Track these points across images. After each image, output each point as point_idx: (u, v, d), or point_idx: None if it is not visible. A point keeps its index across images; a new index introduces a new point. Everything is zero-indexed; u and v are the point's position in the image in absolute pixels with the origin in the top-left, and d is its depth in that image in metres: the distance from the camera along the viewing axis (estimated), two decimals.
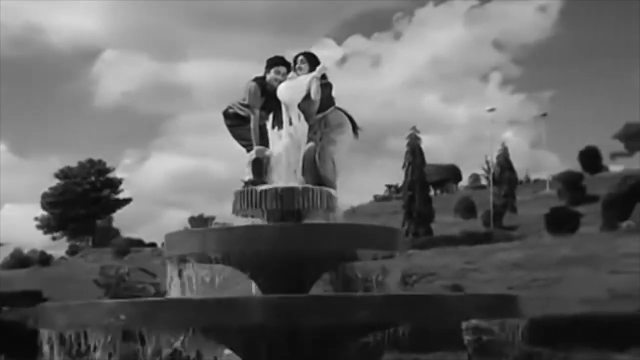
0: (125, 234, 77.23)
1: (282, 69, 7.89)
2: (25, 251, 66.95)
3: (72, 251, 75.45)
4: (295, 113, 7.72)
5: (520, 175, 70.95)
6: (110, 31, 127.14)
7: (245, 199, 7.52)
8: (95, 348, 6.46)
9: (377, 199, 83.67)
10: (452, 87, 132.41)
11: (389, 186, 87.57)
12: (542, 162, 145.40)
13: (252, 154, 7.74)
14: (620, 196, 42.47)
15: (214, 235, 7.49)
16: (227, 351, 19.11)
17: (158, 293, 30.22)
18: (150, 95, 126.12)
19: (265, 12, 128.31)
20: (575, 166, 68.03)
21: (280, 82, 7.83)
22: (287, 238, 7.22)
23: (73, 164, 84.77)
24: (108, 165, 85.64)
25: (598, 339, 19.83)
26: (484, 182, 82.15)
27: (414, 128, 55.60)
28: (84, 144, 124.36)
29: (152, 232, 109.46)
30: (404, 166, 55.69)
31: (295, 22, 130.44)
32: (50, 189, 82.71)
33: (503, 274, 36.44)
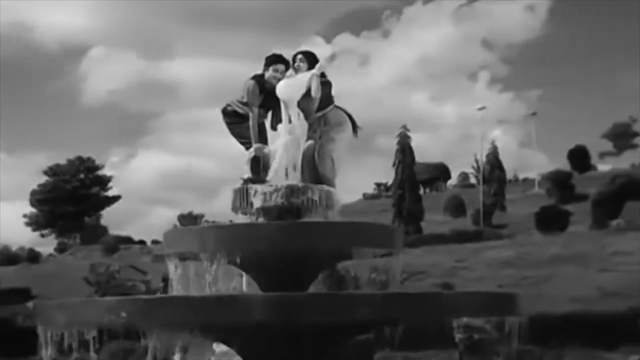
0: (113, 231, 77.09)
1: (281, 67, 7.90)
2: (14, 248, 66.69)
3: (60, 249, 75.10)
4: (295, 111, 7.72)
5: (509, 174, 71.12)
6: (98, 29, 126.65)
7: (245, 197, 7.52)
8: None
9: (366, 197, 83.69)
10: (440, 85, 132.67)
11: (379, 185, 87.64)
12: (530, 161, 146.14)
13: (251, 152, 7.74)
14: (609, 195, 42.66)
15: (213, 233, 7.48)
16: (219, 349, 19.05)
17: (148, 291, 30.24)
18: (138, 93, 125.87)
19: (254, 10, 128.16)
20: (564, 165, 68.33)
21: (279, 80, 7.84)
22: (286, 236, 7.22)
23: (61, 161, 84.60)
24: (97, 162, 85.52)
25: (589, 337, 19.94)
26: (473, 180, 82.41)
27: (404, 127, 55.70)
28: (72, 141, 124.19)
29: (140, 229, 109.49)
30: (394, 165, 55.73)
31: (284, 20, 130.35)
32: (39, 186, 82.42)
33: (493, 272, 36.54)
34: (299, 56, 7.91)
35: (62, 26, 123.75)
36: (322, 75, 7.83)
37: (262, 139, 7.87)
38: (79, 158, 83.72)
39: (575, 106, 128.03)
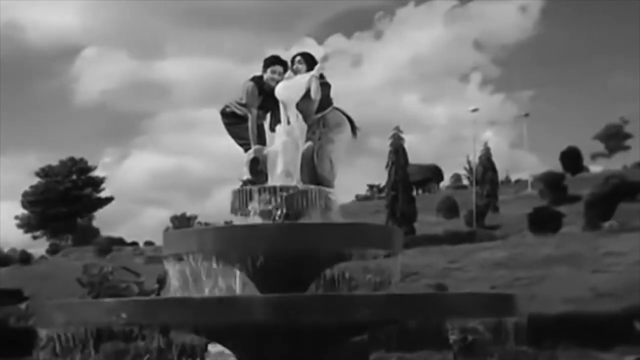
0: (104, 232, 76.99)
1: (279, 69, 7.91)
2: (5, 250, 66.52)
3: (52, 250, 74.89)
4: (293, 112, 7.73)
5: (501, 176, 71.27)
6: (91, 29, 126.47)
7: (244, 198, 7.53)
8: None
9: (359, 198, 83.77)
10: (432, 87, 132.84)
11: (371, 186, 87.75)
12: (522, 162, 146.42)
13: (250, 154, 7.76)
14: (602, 196, 42.80)
15: (212, 234, 7.49)
16: (214, 349, 18.98)
17: (142, 292, 30.11)
18: (131, 93, 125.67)
19: (246, 10, 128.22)
20: (555, 166, 68.54)
21: (278, 81, 7.85)
22: (285, 237, 7.23)
23: (53, 162, 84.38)
24: (90, 163, 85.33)
25: (583, 337, 19.98)
26: (465, 182, 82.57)
27: (397, 128, 55.77)
28: (64, 142, 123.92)
29: (131, 230, 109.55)
30: (387, 166, 55.81)
31: (276, 20, 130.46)
32: (31, 187, 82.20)
33: (486, 273, 36.60)
34: (298, 58, 7.93)
35: (54, 26, 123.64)
36: (321, 76, 7.85)
37: (261, 140, 7.88)
38: (72, 159, 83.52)
39: (566, 107, 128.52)
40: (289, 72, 7.90)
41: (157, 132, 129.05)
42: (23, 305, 31.42)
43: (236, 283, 8.31)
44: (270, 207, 7.47)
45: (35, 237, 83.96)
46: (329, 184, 7.77)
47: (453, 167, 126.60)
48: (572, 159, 69.28)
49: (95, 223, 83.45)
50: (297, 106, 7.73)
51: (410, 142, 57.17)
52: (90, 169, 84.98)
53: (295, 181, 7.64)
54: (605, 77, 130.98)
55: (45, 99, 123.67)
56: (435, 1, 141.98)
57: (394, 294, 6.62)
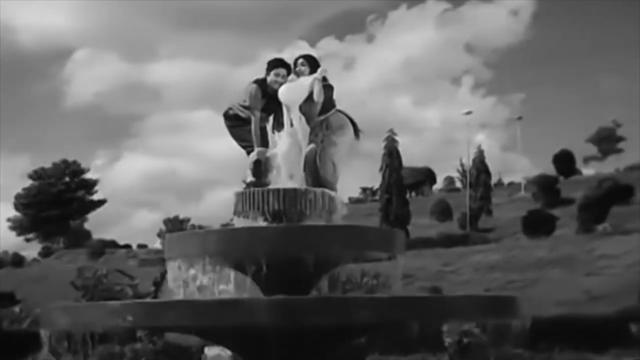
0: (96, 235, 76.87)
1: (282, 71, 7.93)
2: None
3: (45, 253, 74.69)
4: (296, 115, 7.74)
5: (493, 179, 71.38)
6: (82, 31, 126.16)
7: (247, 201, 7.54)
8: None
9: (352, 201, 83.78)
10: (424, 89, 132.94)
11: (364, 189, 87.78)
12: (513, 165, 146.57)
13: (253, 156, 7.77)
14: (596, 199, 42.93)
15: (215, 236, 7.49)
16: (210, 352, 18.98)
17: (136, 295, 30.06)
18: (122, 95, 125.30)
19: (238, 12, 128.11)
20: (546, 169, 68.72)
21: (281, 84, 7.87)
22: (288, 239, 7.25)
23: (44, 164, 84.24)
24: (82, 166, 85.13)
25: (578, 340, 20.02)
26: (458, 184, 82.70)
27: (391, 130, 55.85)
28: (56, 144, 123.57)
29: (122, 233, 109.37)
30: (381, 168, 55.84)
31: (268, 23, 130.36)
32: (24, 189, 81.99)
33: (480, 276, 36.71)
34: (300, 60, 7.95)
35: (46, 29, 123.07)
36: (324, 79, 7.87)
37: (264, 142, 7.89)
38: (64, 161, 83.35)
39: (558, 110, 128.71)
40: (292, 75, 7.92)
41: (148, 134, 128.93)
42: (17, 308, 31.35)
43: (231, 285, 8.31)
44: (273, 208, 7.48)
45: (27, 240, 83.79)
46: (332, 187, 7.79)
47: (445, 169, 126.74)
48: (565, 161, 69.47)
49: (86, 225, 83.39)
50: (300, 108, 7.75)
51: (402, 145, 57.22)
52: (83, 171, 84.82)
53: (298, 183, 7.66)
54: (597, 80, 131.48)
55: (37, 101, 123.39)
56: (427, 4, 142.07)
57: (397, 296, 6.65)
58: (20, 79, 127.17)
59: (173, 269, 7.53)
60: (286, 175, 7.72)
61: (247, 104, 7.90)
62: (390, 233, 7.91)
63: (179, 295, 7.51)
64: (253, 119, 7.82)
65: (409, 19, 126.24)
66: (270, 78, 7.93)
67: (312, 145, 7.72)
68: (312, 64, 7.92)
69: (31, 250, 77.90)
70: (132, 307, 6.26)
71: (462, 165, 76.95)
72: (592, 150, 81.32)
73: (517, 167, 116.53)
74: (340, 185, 7.99)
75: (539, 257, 37.42)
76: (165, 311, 6.16)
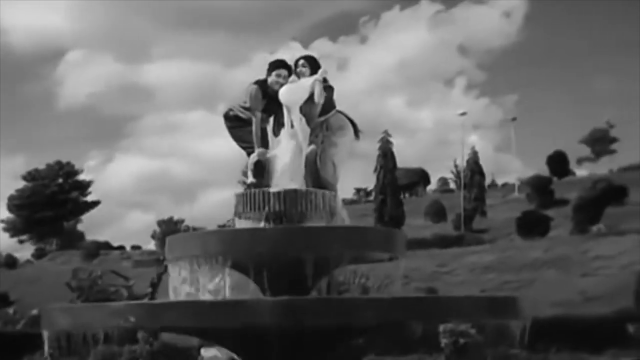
0: (89, 236, 76.73)
1: (283, 72, 7.92)
2: None
3: (38, 254, 74.53)
4: (297, 116, 7.74)
5: (486, 180, 71.44)
6: (75, 31, 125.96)
7: (248, 202, 7.53)
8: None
9: (346, 202, 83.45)
10: (417, 91, 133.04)
11: (358, 190, 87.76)
12: (506, 166, 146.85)
13: (254, 157, 7.76)
14: (590, 200, 43.02)
15: (217, 237, 7.49)
16: (207, 354, 18.96)
17: (131, 296, 30.09)
18: (116, 96, 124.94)
19: (232, 13, 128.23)
20: (539, 170, 68.80)
21: (282, 85, 7.86)
22: (289, 240, 7.25)
23: (37, 165, 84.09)
24: (76, 167, 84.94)
25: (575, 340, 20.07)
26: (452, 185, 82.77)
27: (385, 132, 55.97)
28: (48, 145, 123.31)
29: (115, 234, 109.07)
30: (375, 169, 55.92)
31: (261, 24, 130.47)
32: (17, 191, 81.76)
33: (475, 276, 36.77)
34: (301, 61, 7.95)
35: (38, 29, 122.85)
36: (324, 80, 7.87)
37: (264, 144, 7.89)
38: (58, 162, 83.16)
39: (551, 111, 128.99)
40: (292, 76, 7.91)
41: (142, 135, 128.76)
42: (11, 310, 31.32)
43: (225, 285, 8.29)
44: (274, 209, 7.48)
45: (21, 241, 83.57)
46: (332, 188, 7.79)
47: (439, 170, 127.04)
48: (558, 162, 69.58)
49: (79, 227, 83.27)
50: (301, 109, 7.74)
51: (395, 146, 57.27)
52: (77, 172, 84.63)
53: (298, 184, 7.65)
54: (590, 81, 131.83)
55: (30, 102, 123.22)
56: (420, 6, 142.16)
57: (399, 296, 6.66)
58: (14, 79, 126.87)
59: (174, 269, 7.52)
60: (287, 176, 7.71)
61: (247, 105, 7.89)
62: (392, 233, 7.92)
63: (180, 296, 7.50)
64: (254, 120, 7.81)
65: (402, 20, 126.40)
66: (271, 79, 7.92)
67: (312, 146, 7.71)
68: (313, 65, 7.92)
69: (24, 251, 77.78)
70: (135, 308, 6.25)
71: (456, 166, 77.03)
72: (585, 151, 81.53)
73: (510, 168, 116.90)
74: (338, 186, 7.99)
75: (534, 257, 37.47)
76: (168, 312, 6.17)
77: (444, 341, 20.82)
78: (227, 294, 7.26)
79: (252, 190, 7.60)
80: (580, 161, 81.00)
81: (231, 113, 8.03)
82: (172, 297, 7.56)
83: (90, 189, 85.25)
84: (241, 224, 7.68)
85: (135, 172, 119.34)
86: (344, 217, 7.65)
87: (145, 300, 20.81)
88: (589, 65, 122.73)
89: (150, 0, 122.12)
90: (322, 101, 7.71)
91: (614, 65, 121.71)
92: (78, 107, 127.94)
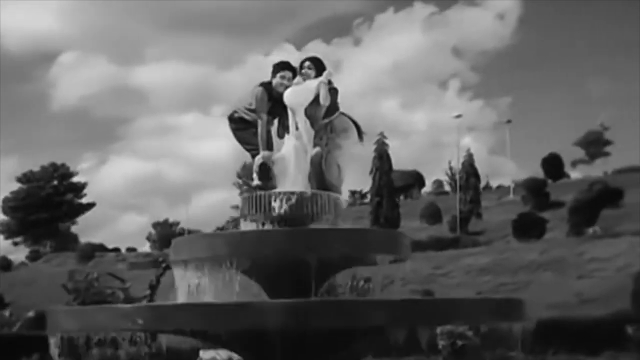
0: (83, 238, 76.68)
1: (288, 74, 7.93)
2: None
3: (33, 256, 74.40)
4: (302, 118, 7.75)
5: (481, 182, 71.45)
6: (68, 33, 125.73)
7: (253, 204, 7.54)
8: None
9: None
10: (411, 93, 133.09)
11: (353, 192, 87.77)
12: (500, 169, 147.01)
13: (259, 159, 7.76)
14: (586, 202, 43.07)
15: (223, 239, 7.50)
16: (206, 356, 18.95)
17: (128, 298, 30.01)
18: (109, 98, 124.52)
19: (225, 15, 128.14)
20: (534, 172, 68.85)
21: (286, 87, 7.87)
22: (294, 243, 7.26)
23: (30, 167, 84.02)
24: (71, 169, 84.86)
25: (572, 343, 20.11)
26: (447, 188, 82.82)
27: (381, 134, 55.97)
28: (41, 148, 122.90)
29: (109, 236, 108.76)
30: (371, 172, 55.93)
31: (255, 26, 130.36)
32: (12, 193, 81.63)
33: (471, 279, 36.78)
34: (307, 63, 7.95)
35: (31, 31, 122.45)
36: (329, 82, 7.88)
37: (269, 146, 7.89)
38: (53, 164, 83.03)
39: (545, 114, 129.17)
40: (298, 78, 7.91)
41: (135, 137, 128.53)
42: (6, 312, 31.24)
43: (235, 287, 8.30)
44: (279, 212, 7.48)
45: (15, 244, 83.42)
46: (337, 190, 7.81)
47: (433, 172, 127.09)
48: (553, 165, 69.66)
49: (73, 229, 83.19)
50: (306, 112, 7.75)
51: (390, 148, 57.26)
52: (72, 174, 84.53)
53: (304, 187, 7.66)
54: (584, 83, 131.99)
55: (22, 104, 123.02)
56: (414, 8, 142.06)
57: (408, 298, 6.67)
58: (6, 81, 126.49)
59: (179, 271, 7.52)
60: (292, 178, 7.71)
61: (253, 107, 7.89)
62: (397, 235, 7.93)
63: (183, 298, 7.50)
64: (259, 122, 7.81)
65: (395, 22, 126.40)
66: (276, 81, 7.92)
67: (317, 149, 7.73)
68: (319, 66, 7.92)
69: (19, 253, 77.66)
70: (143, 310, 6.24)
71: (451, 168, 77.06)
72: (579, 153, 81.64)
73: (504, 171, 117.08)
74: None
75: (530, 260, 37.49)
76: (177, 314, 6.16)
77: (441, 343, 20.83)
78: (234, 296, 7.26)
79: (258, 192, 7.61)
80: (574, 163, 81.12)
81: (236, 115, 8.03)
82: (180, 299, 7.56)
83: (85, 191, 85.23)
84: (246, 226, 7.68)
85: (129, 174, 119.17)
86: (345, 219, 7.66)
87: (144, 303, 20.81)
88: (583, 68, 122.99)
89: (144, 2, 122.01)
90: (327, 103, 7.72)
91: (608, 67, 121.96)
92: (71, 109, 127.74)
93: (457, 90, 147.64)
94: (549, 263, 36.33)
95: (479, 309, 6.68)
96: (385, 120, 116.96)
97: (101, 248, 69.21)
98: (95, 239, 75.26)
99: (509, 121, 79.06)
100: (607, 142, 79.77)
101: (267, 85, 7.91)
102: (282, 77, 7.90)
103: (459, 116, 66.96)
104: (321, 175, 7.70)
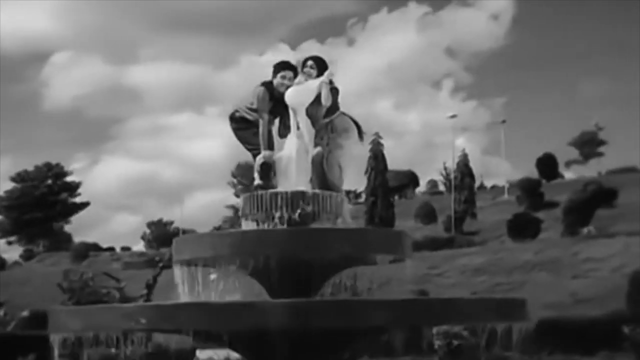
0: (76, 238, 76.55)
1: (289, 74, 7.93)
2: None
3: (27, 256, 74.26)
4: (303, 117, 7.75)
5: (476, 182, 71.51)
6: (62, 33, 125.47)
7: (254, 204, 7.54)
8: None
9: None
10: (404, 93, 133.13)
11: (348, 192, 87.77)
12: (494, 169, 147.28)
13: (260, 159, 7.76)
14: (580, 202, 43.15)
15: (225, 239, 7.49)
16: (203, 355, 18.94)
17: (123, 298, 29.98)
18: (102, 98, 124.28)
19: (220, 15, 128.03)
20: (528, 172, 68.97)
21: (288, 86, 7.87)
22: (296, 242, 7.27)
23: (24, 167, 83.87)
24: (65, 169, 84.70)
25: (567, 343, 20.15)
26: (441, 188, 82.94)
27: (376, 134, 55.98)
28: (34, 147, 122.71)
29: (102, 236, 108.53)
30: (366, 171, 55.97)
31: (249, 26, 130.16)
32: (6, 192, 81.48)
33: (466, 279, 36.81)
34: (309, 62, 7.95)
35: (24, 30, 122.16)
36: (330, 82, 7.89)
37: (270, 145, 7.89)
38: (47, 164, 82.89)
39: (539, 114, 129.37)
40: (299, 77, 7.92)
41: (129, 137, 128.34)
42: (1, 312, 31.14)
43: (236, 287, 8.32)
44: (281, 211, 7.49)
45: (9, 243, 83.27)
46: (338, 189, 7.83)
47: (427, 172, 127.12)
48: (547, 165, 69.80)
49: (67, 228, 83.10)
50: (307, 111, 7.76)
51: (384, 148, 57.31)
52: (66, 174, 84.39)
53: (305, 186, 7.67)
54: (578, 83, 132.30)
55: (15, 104, 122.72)
56: (408, 8, 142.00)
57: (410, 298, 6.68)
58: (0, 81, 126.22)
59: (180, 271, 7.53)
60: (293, 178, 7.72)
61: (254, 106, 7.89)
62: (399, 235, 7.94)
63: (185, 298, 7.51)
64: (261, 121, 7.81)
65: (389, 22, 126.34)
66: (277, 81, 7.92)
67: (318, 148, 7.73)
68: (321, 66, 7.93)
69: (13, 253, 77.50)
70: (147, 310, 6.24)
71: (445, 168, 77.20)
72: (574, 153, 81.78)
73: (498, 171, 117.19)
74: None
75: (525, 260, 37.53)
76: (181, 313, 6.15)
77: (437, 343, 20.86)
78: (236, 296, 7.27)
79: (259, 192, 7.61)
80: (568, 164, 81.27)
81: (237, 114, 8.03)
82: (181, 299, 7.55)
83: (79, 190, 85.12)
84: (247, 225, 7.68)
85: (122, 174, 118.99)
86: (348, 220, 7.67)
87: (141, 302, 20.78)
88: (577, 68, 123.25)
89: (137, 2, 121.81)
90: (329, 104, 7.73)
91: (602, 68, 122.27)
92: (65, 109, 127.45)
93: (451, 90, 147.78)
94: (544, 263, 36.37)
95: (480, 309, 6.70)
96: (379, 121, 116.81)
97: (95, 247, 69.11)
98: (89, 239, 75.23)
99: (503, 121, 79.18)
100: (602, 143, 79.95)
101: (268, 85, 7.91)
102: (283, 77, 7.90)
103: (453, 116, 67.06)
104: (322, 174, 7.71)
